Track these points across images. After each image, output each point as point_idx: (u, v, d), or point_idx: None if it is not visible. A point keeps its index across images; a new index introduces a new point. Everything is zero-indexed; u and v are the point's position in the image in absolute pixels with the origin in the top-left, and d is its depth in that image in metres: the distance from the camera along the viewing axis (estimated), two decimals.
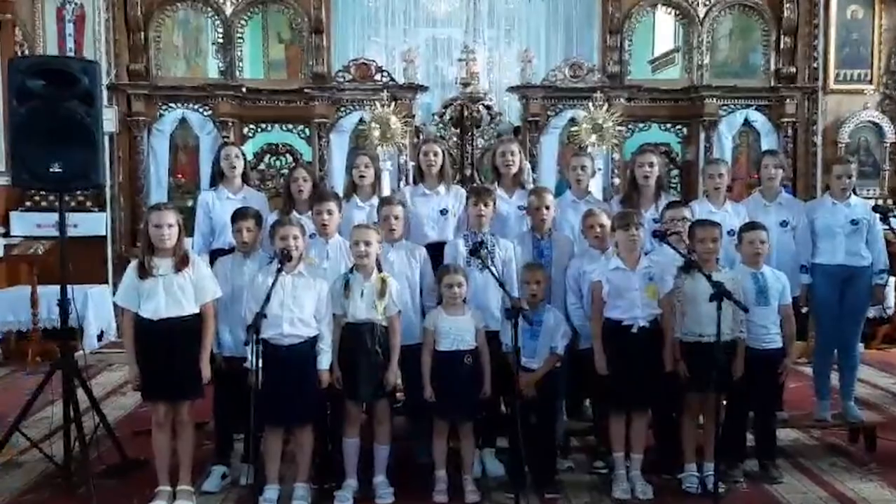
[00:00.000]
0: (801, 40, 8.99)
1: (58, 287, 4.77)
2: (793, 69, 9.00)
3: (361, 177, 5.29)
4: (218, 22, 8.84)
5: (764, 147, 8.72)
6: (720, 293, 4.01)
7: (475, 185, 6.68)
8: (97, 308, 8.14)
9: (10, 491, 4.64)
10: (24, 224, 8.40)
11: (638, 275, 4.55)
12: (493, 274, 4.41)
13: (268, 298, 4.02)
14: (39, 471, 4.88)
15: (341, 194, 5.36)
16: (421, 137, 8.30)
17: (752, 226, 4.86)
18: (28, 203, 8.46)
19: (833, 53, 8.92)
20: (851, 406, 5.50)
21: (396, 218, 4.75)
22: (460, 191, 5.43)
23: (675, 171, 9.10)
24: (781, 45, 9.00)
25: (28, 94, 4.43)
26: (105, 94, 7.76)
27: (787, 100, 8.89)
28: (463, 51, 9.10)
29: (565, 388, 4.89)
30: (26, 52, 8.29)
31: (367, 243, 4.39)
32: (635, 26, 9.14)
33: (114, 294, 8.37)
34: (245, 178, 5.48)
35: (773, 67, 9.08)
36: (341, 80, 8.76)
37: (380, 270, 4.46)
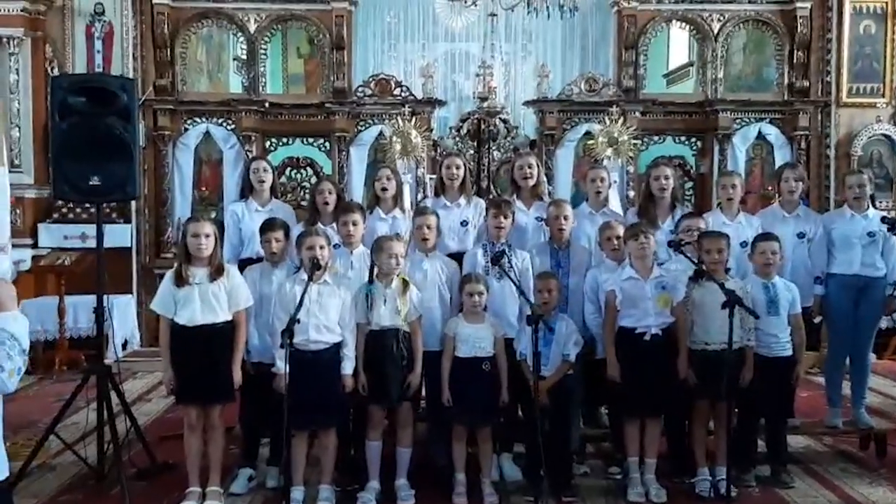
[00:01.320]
0: (814, 54, 9.12)
1: (84, 297, 4.96)
2: (806, 83, 9.11)
3: (384, 189, 5.45)
4: (242, 39, 9.05)
5: (777, 160, 8.85)
6: (732, 301, 4.13)
7: (495, 197, 6.84)
8: (121, 318, 8.31)
9: (45, 492, 4.81)
10: (51, 236, 8.62)
11: (650, 284, 4.69)
12: (513, 282, 4.56)
13: (300, 304, 4.18)
14: (73, 473, 5.05)
15: (367, 201, 5.51)
16: (439, 151, 8.48)
17: (764, 237, 4.99)
18: (56, 215, 8.67)
19: (846, 67, 9.04)
20: (862, 413, 5.61)
21: (430, 228, 4.90)
22: (480, 202, 5.59)
23: (690, 184, 9.22)
24: (795, 60, 9.11)
25: (69, 110, 4.62)
26: None
27: (801, 113, 9.00)
28: (480, 66, 9.28)
29: (581, 395, 5.01)
30: (56, 68, 8.56)
31: (400, 255, 4.58)
32: (650, 41, 9.28)
33: (138, 305, 8.62)
34: (273, 191, 5.65)
35: (786, 81, 9.19)
36: (361, 94, 8.96)
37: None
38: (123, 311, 8.38)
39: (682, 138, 9.24)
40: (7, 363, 2.58)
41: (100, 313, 4.88)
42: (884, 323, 6.16)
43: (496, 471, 4.92)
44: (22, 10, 8.37)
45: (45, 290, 8.45)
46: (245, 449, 5.05)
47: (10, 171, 7.92)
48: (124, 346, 8.44)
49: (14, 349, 2.61)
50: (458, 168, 5.47)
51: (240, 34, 9.06)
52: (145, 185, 8.77)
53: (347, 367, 4.52)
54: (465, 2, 5.95)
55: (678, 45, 10.57)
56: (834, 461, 5.34)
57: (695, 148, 9.24)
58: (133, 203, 8.48)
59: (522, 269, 4.94)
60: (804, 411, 5.78)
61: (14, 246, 8.29)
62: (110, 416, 4.83)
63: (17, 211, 8.42)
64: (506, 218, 4.96)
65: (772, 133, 9.09)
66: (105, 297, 4.98)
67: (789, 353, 4.86)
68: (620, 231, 5.00)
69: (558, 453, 4.69)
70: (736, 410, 4.76)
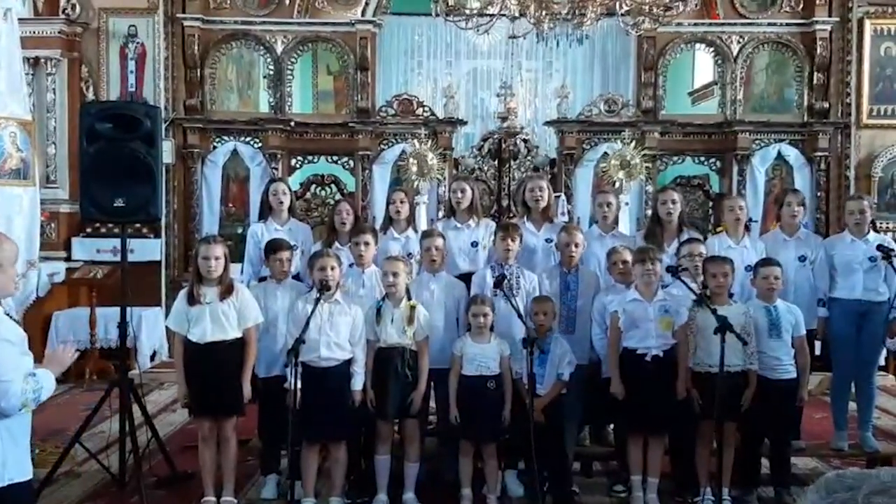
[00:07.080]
0: (834, 76, 9.12)
1: (115, 309, 5.17)
2: (826, 104, 9.12)
3: (398, 212, 5.67)
4: (269, 60, 9.29)
5: (797, 181, 8.90)
6: (723, 327, 4.25)
7: (503, 220, 7.02)
8: (150, 329, 8.56)
9: (69, 499, 5.03)
10: (84, 249, 8.89)
11: (653, 307, 4.81)
12: (512, 305, 4.71)
13: (306, 325, 4.38)
14: (97, 480, 5.25)
15: (381, 222, 5.71)
16: (460, 169, 8.65)
17: (766, 261, 5.08)
18: (89, 230, 8.92)
19: (866, 89, 9.04)
20: (868, 437, 5.64)
21: (437, 249, 5.09)
22: (490, 223, 5.76)
23: (710, 203, 9.26)
24: (814, 81, 9.12)
25: (97, 135, 4.87)
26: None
27: (820, 134, 9.01)
28: (501, 86, 9.43)
29: (582, 413, 5.14)
30: (91, 87, 8.87)
31: (395, 274, 4.74)
32: (669, 62, 9.35)
33: (166, 317, 8.85)
34: (291, 211, 5.86)
35: (806, 103, 9.20)
36: (384, 114, 9.16)
37: (409, 298, 4.79)
38: (153, 323, 8.63)
39: (702, 158, 9.30)
40: (30, 395, 3.02)
41: (123, 326, 5.09)
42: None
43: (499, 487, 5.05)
44: (59, 33, 8.67)
45: (78, 301, 8.73)
46: (267, 458, 5.20)
47: (45, 187, 8.28)
48: (153, 356, 8.69)
49: (36, 398, 3.06)
50: (463, 193, 5.65)
51: (268, 55, 9.30)
52: (175, 201, 9.04)
53: (357, 383, 4.69)
54: (478, 31, 6.09)
55: (703, 63, 10.59)
56: None
57: (714, 168, 9.30)
58: (163, 218, 8.73)
59: (530, 290, 5.09)
60: (817, 433, 5.82)
61: (48, 259, 8.63)
62: (132, 426, 5.04)
63: (52, 225, 8.73)
64: (513, 241, 5.10)
65: (791, 154, 9.11)
66: (131, 309, 5.20)
67: (792, 375, 4.93)
68: (627, 256, 5.10)
69: (556, 468, 4.82)
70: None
